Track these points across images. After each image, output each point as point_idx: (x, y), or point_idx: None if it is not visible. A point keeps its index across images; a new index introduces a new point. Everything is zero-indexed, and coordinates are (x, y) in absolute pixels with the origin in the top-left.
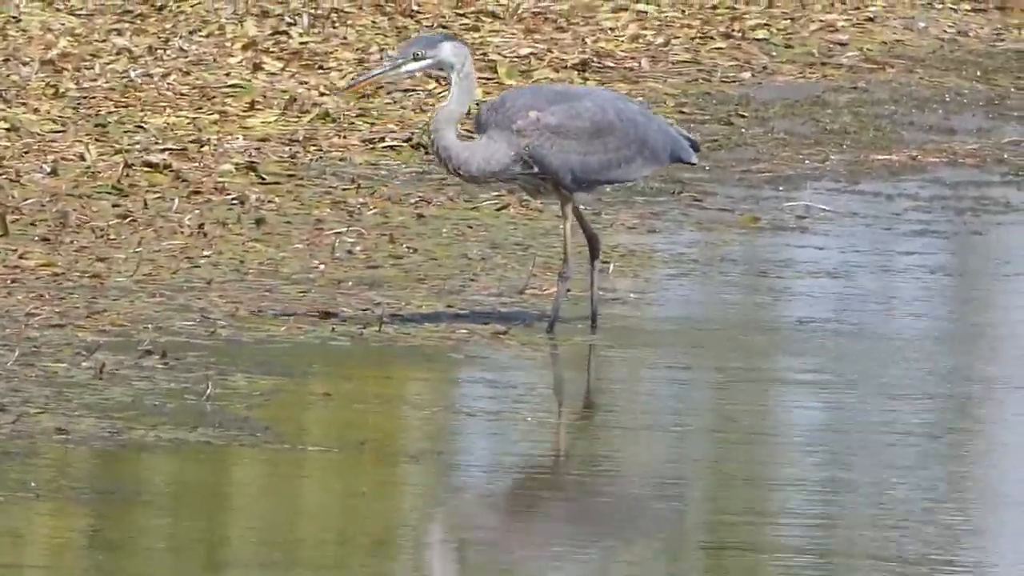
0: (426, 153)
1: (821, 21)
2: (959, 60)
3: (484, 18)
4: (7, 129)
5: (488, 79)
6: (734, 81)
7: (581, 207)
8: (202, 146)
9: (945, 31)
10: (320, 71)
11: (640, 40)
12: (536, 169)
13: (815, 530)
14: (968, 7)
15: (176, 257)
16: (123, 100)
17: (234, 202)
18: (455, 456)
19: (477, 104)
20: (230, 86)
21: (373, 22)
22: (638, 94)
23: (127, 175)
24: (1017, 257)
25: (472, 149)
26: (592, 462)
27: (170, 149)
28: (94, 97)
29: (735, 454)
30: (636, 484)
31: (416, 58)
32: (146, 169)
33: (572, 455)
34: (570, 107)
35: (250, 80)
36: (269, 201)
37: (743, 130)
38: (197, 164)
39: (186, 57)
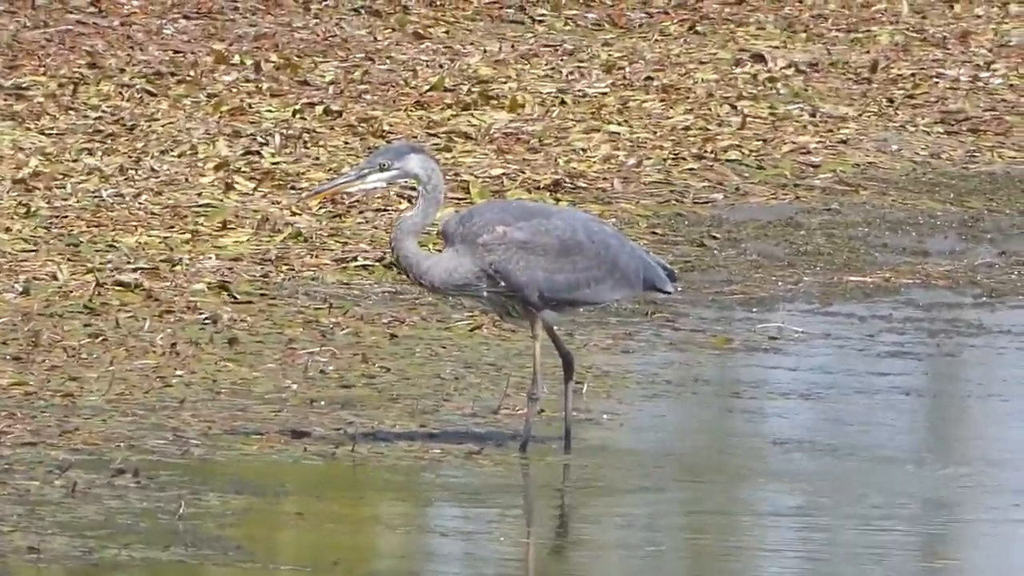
0: (398, 272)
1: (794, 143)
2: (932, 182)
3: (456, 138)
4: None
5: (460, 199)
6: (706, 202)
7: (554, 327)
8: (174, 265)
9: (918, 153)
10: (292, 191)
11: (612, 161)
12: (503, 284)
13: None
14: (941, 130)
15: (148, 376)
16: (95, 219)
17: (206, 321)
18: None
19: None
20: (202, 205)
21: (345, 142)
22: (610, 215)
23: (99, 294)
24: (990, 379)
25: (435, 260)
26: None
27: (142, 268)
28: (66, 216)
29: (707, 574)
30: None
31: (382, 168)
32: (118, 288)
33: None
34: (539, 223)
35: (222, 200)
36: (241, 320)
37: (715, 251)
38: (169, 283)
39: (158, 177)
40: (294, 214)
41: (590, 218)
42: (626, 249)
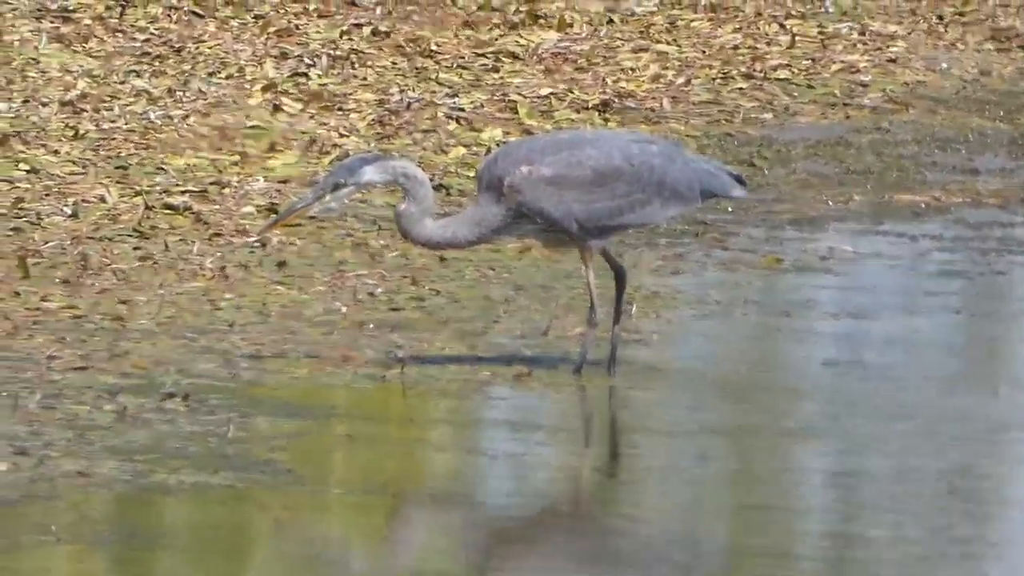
0: (447, 194)
1: (843, 62)
2: (982, 100)
3: (504, 58)
4: (27, 171)
5: (508, 119)
6: (756, 122)
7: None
8: (223, 188)
9: (968, 71)
10: (340, 112)
11: (661, 80)
12: (539, 221)
13: (830, 566)
14: (991, 47)
15: (198, 300)
16: (143, 142)
17: (256, 244)
18: (478, 498)
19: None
20: (250, 127)
21: (393, 63)
22: (659, 134)
23: (148, 217)
24: None
25: (458, 222)
26: (612, 505)
27: (191, 191)
28: (114, 139)
29: (755, 497)
30: (655, 528)
31: (337, 187)
32: (167, 211)
33: (593, 498)
34: (568, 155)
35: (270, 121)
36: (291, 243)
37: (765, 171)
38: (218, 206)
39: (205, 99)
40: (341, 135)
41: (634, 138)
42: (676, 165)
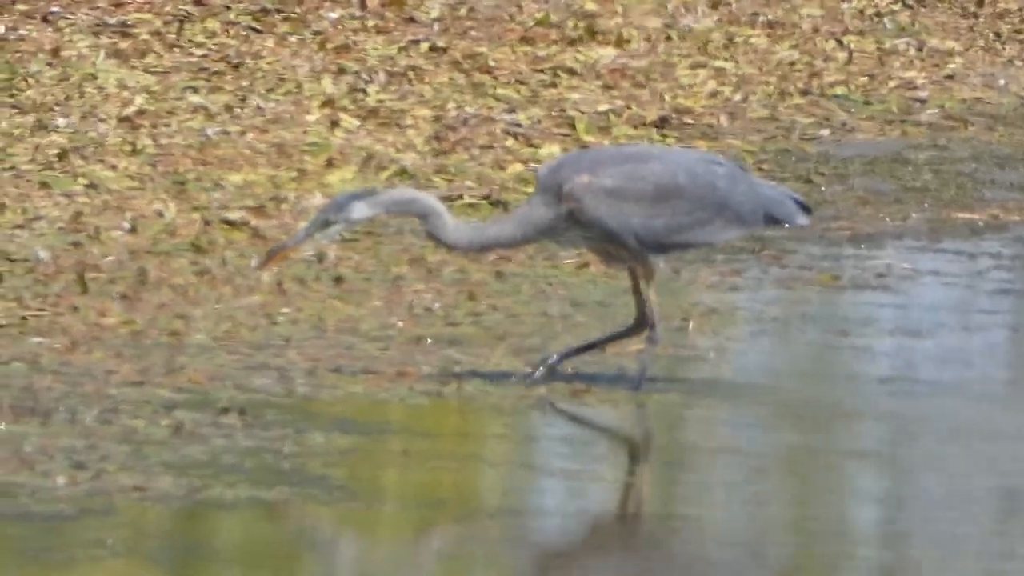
0: (505, 211)
1: (900, 78)
2: None
3: (562, 74)
4: (86, 186)
5: (566, 135)
6: (813, 138)
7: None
8: (280, 203)
9: None
10: (397, 128)
11: (718, 97)
12: (596, 230)
13: None
14: None
15: (255, 315)
16: (201, 157)
17: (312, 259)
18: (533, 514)
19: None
20: (308, 143)
21: (450, 79)
22: (717, 151)
23: (205, 232)
24: None
25: (501, 222)
26: (669, 521)
27: (248, 206)
28: (172, 154)
29: (810, 516)
30: (714, 543)
31: (327, 224)
32: (224, 226)
33: (649, 515)
34: (632, 169)
35: (327, 137)
36: (347, 258)
37: (822, 188)
38: (275, 221)
39: (263, 115)
40: (399, 151)
41: (701, 158)
42: (740, 188)
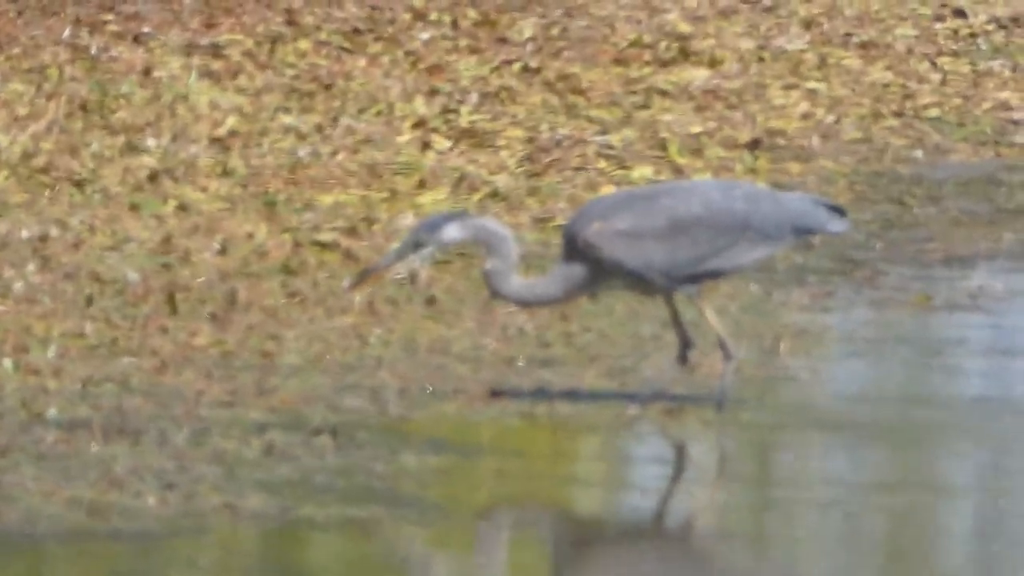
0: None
1: (995, 99)
2: None
3: (654, 95)
4: (176, 208)
5: (659, 157)
6: (906, 160)
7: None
8: (372, 224)
9: None
10: (489, 149)
11: (811, 118)
12: (626, 272)
13: None
14: None
15: (346, 335)
16: (292, 178)
17: (404, 280)
18: (626, 533)
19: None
20: (399, 164)
21: (543, 100)
22: (809, 172)
23: (296, 253)
24: None
25: (548, 280)
26: (760, 541)
27: (339, 227)
28: (262, 175)
29: (907, 531)
30: (804, 563)
31: (419, 245)
32: (315, 247)
33: (740, 534)
34: (645, 208)
35: (419, 158)
36: (440, 279)
37: (916, 209)
38: (367, 243)
39: (355, 135)
40: (492, 173)
41: (716, 185)
42: (762, 207)
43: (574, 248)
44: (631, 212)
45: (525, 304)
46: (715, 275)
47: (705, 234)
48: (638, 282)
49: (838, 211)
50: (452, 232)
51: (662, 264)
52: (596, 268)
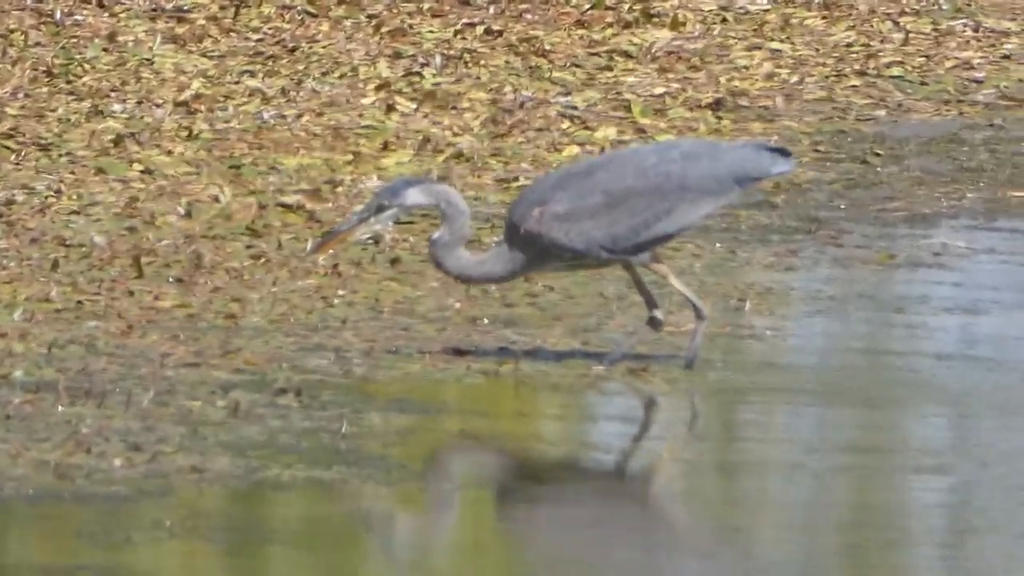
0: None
1: (957, 58)
2: None
3: (617, 57)
4: (141, 171)
5: (622, 118)
6: (869, 119)
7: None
8: (336, 187)
9: None
10: (453, 111)
11: (774, 79)
12: (569, 255)
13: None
14: None
15: (310, 297)
16: (256, 141)
17: (368, 241)
18: (590, 493)
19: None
20: (363, 127)
21: (506, 62)
22: (773, 132)
23: (261, 216)
24: None
25: (490, 259)
26: (725, 500)
27: (304, 190)
28: (227, 139)
29: (874, 488)
30: (769, 523)
31: (381, 209)
32: (280, 210)
33: (705, 493)
34: (578, 186)
35: (383, 121)
36: (404, 240)
37: (879, 168)
38: (331, 205)
39: (319, 98)
40: (455, 135)
41: (654, 149)
42: (700, 163)
43: (516, 235)
44: (566, 193)
45: (467, 280)
46: (664, 239)
47: (641, 202)
48: (584, 261)
49: (782, 152)
50: (415, 196)
51: (603, 239)
52: (541, 252)
